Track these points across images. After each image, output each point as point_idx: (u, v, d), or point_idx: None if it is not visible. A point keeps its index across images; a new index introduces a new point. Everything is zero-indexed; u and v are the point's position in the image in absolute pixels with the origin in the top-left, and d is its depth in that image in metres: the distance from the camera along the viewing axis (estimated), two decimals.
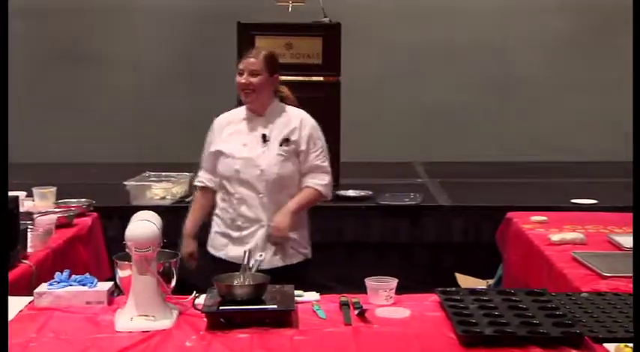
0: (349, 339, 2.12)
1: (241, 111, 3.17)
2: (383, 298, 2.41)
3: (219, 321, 2.20)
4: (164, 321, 2.22)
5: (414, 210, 4.72)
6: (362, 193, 4.94)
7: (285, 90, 3.23)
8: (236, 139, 3.11)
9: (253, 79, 3.04)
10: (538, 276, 3.17)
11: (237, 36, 4.77)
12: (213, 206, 3.16)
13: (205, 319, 2.22)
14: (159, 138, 6.58)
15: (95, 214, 3.84)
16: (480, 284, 4.13)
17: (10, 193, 3.48)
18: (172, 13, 6.81)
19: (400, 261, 4.51)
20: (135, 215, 2.39)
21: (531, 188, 5.40)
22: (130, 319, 2.21)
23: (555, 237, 3.28)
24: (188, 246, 3.16)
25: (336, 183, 4.89)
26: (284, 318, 2.23)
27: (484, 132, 6.83)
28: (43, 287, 2.42)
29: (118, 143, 6.60)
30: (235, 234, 3.07)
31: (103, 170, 5.86)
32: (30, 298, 2.39)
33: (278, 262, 3.04)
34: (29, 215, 3.28)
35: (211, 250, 3.17)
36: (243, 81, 3.06)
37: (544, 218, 3.69)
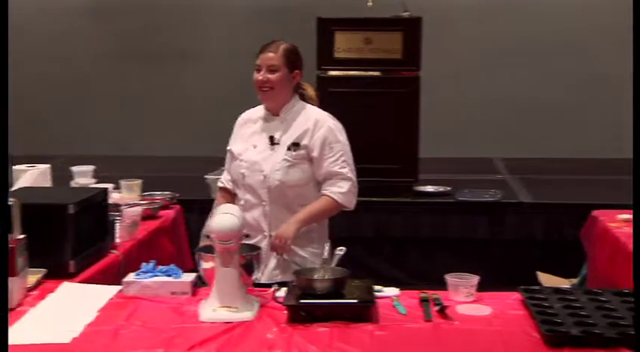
0: (430, 336, 2.10)
1: (261, 109, 2.97)
2: (464, 295, 2.38)
3: (299, 314, 2.22)
4: (246, 313, 2.25)
5: (494, 207, 4.65)
6: (440, 189, 4.90)
7: (307, 87, 3.01)
8: (248, 140, 2.93)
9: (271, 76, 2.82)
10: (626, 276, 3.07)
11: (316, 31, 4.79)
12: None
13: (286, 312, 2.25)
14: None
15: (178, 207, 3.92)
16: (563, 283, 4.03)
17: (99, 185, 3.64)
18: (249, 7, 6.89)
19: (479, 258, 4.45)
20: (218, 208, 2.44)
21: (616, 185, 5.23)
22: (213, 310, 2.26)
23: None
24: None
25: (414, 180, 4.89)
26: (364, 313, 2.23)
27: (567, 128, 6.65)
28: (130, 276, 2.50)
29: (198, 137, 6.73)
30: (245, 241, 2.82)
31: (185, 163, 5.99)
32: (119, 287, 2.48)
33: (277, 277, 2.80)
34: (117, 207, 3.37)
35: None
36: (260, 78, 2.83)
37: (631, 216, 3.57)
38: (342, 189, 2.85)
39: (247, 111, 3.04)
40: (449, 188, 4.88)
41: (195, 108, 6.92)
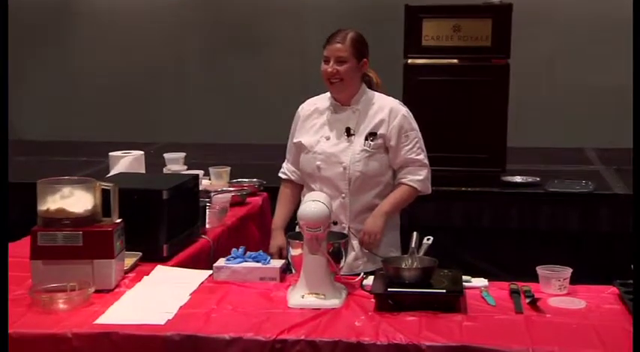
0: (521, 328, 2.06)
1: (326, 99, 2.95)
2: (556, 287, 2.33)
3: (387, 303, 2.22)
4: (334, 300, 2.27)
5: (586, 198, 4.50)
6: (529, 179, 4.78)
7: (372, 74, 2.98)
8: (319, 131, 2.91)
9: (340, 67, 2.80)
10: None
11: (404, 19, 4.75)
12: (299, 198, 2.95)
13: (373, 300, 2.25)
14: None
15: (265, 194, 3.98)
16: None
17: (190, 172, 3.73)
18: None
19: (571, 251, 4.32)
20: (307, 195, 2.46)
21: None
22: (301, 296, 2.29)
23: None
24: (276, 238, 2.97)
25: (502, 169, 4.79)
26: (453, 303, 2.21)
27: None
28: (221, 261, 2.55)
29: (287, 124, 6.79)
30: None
31: (273, 151, 6.06)
32: (209, 271, 2.54)
33: (358, 268, 2.82)
34: (206, 193, 3.45)
35: None
36: (329, 70, 2.81)
37: None
38: (420, 177, 2.88)
39: (308, 102, 3.01)
40: (538, 178, 4.76)
41: (282, 98, 6.98)
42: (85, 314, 2.17)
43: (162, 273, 2.56)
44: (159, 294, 2.34)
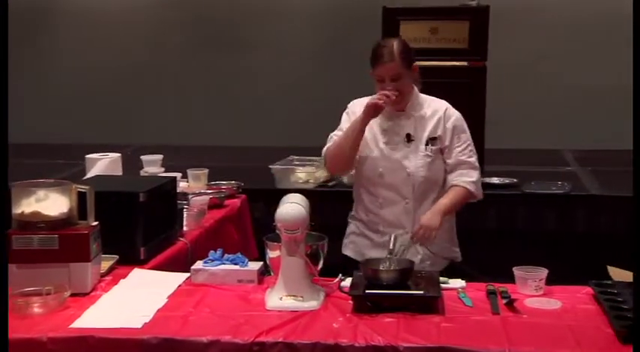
0: (498, 328, 2.08)
1: None
2: (532, 288, 2.35)
3: (365, 304, 2.23)
4: (312, 302, 2.27)
5: (563, 199, 4.54)
6: (506, 181, 4.81)
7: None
8: (375, 138, 2.89)
9: (398, 84, 2.79)
10: None
11: (382, 21, 4.76)
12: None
13: (352, 302, 2.25)
14: (303, 123, 6.70)
15: (244, 196, 3.97)
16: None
17: (167, 174, 3.71)
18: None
19: (547, 252, 4.35)
20: (284, 197, 2.46)
21: None
22: (279, 298, 2.28)
23: None
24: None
25: (479, 171, 4.81)
26: (430, 304, 2.22)
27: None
28: (198, 264, 2.54)
29: (264, 127, 6.78)
30: (376, 237, 2.89)
31: (250, 153, 6.05)
32: (187, 274, 2.52)
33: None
34: (184, 195, 3.44)
35: (349, 253, 2.99)
36: (388, 89, 2.77)
37: None
38: (472, 178, 2.88)
39: (358, 102, 2.93)
40: (515, 180, 4.79)
41: (260, 99, 6.98)
42: (61, 318, 2.15)
43: (139, 276, 2.55)
44: (136, 297, 2.33)
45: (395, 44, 2.82)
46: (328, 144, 2.99)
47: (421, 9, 4.86)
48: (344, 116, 3.00)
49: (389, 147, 2.87)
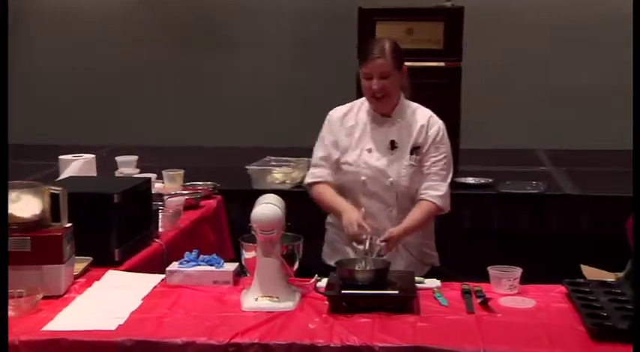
0: (473, 327, 2.09)
1: (360, 108, 2.87)
2: (506, 287, 2.36)
3: (341, 305, 2.23)
4: (288, 303, 2.27)
5: (537, 199, 4.58)
6: (482, 181, 4.84)
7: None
8: (359, 144, 2.82)
9: (385, 82, 2.73)
10: None
11: (357, 21, 4.76)
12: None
13: (327, 302, 2.26)
14: (280, 123, 6.69)
15: (220, 197, 3.95)
16: (609, 277, 3.95)
17: (142, 175, 3.69)
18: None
19: (522, 251, 4.38)
20: (260, 198, 2.45)
21: None
22: (255, 299, 2.28)
23: None
24: (349, 212, 2.71)
25: (454, 171, 4.83)
26: (406, 304, 2.23)
27: (613, 120, 6.51)
28: (174, 265, 2.53)
29: (240, 127, 6.76)
30: (360, 245, 2.72)
31: (227, 153, 6.03)
32: (162, 276, 2.51)
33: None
34: (160, 196, 3.42)
35: (329, 261, 2.89)
36: (375, 87, 2.72)
37: None
38: (440, 192, 2.81)
39: (339, 110, 2.89)
40: (490, 180, 4.82)
41: (236, 100, 6.95)
42: (33, 321, 2.13)
43: (113, 278, 2.53)
44: (109, 299, 2.31)
45: (387, 42, 2.79)
46: (310, 180, 2.92)
47: (397, 9, 4.86)
48: (324, 126, 2.92)
49: (372, 154, 2.82)
